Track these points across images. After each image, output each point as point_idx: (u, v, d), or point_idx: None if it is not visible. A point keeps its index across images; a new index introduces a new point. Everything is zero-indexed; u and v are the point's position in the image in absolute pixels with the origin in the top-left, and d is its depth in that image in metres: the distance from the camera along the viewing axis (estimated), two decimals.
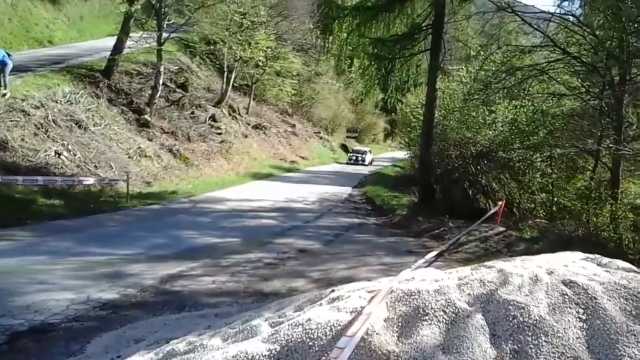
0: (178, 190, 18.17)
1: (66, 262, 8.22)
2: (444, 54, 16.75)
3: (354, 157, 42.59)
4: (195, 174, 21.68)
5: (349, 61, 33.33)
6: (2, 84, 15.77)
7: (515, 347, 3.18)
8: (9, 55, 16.15)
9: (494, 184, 15.84)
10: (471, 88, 16.79)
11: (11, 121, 14.90)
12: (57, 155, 15.12)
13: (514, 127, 15.53)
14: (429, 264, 7.45)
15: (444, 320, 3.38)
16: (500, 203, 13.14)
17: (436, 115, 16.99)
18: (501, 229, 12.02)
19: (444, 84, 19.92)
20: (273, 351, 3.21)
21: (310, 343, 3.22)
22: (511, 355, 3.15)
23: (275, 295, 7.07)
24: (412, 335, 3.28)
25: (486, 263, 4.40)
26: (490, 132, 15.85)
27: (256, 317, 4.23)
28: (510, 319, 3.35)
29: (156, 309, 6.42)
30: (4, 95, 15.64)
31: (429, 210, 14.70)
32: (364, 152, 44.13)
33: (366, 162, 42.27)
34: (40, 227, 10.78)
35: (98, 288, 7.01)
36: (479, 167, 15.67)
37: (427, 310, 3.45)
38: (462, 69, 20.55)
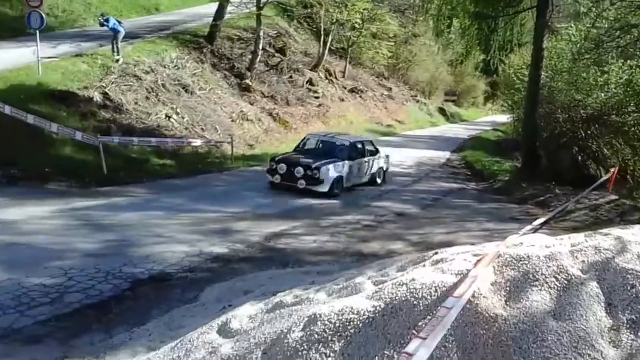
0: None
1: (180, 217, 8.84)
2: (552, 11, 15.64)
3: (297, 173, 11.54)
4: (294, 137, 22.08)
5: (448, 21, 32.24)
6: (115, 50, 16.81)
7: (633, 317, 3.06)
8: (120, 23, 17.13)
9: (605, 150, 14.95)
10: (581, 47, 15.89)
11: (125, 85, 15.89)
12: (167, 118, 16.01)
13: (629, 89, 14.50)
14: (535, 230, 7.21)
15: (555, 287, 3.29)
16: (612, 170, 12.39)
17: (542, 76, 16.05)
18: (613, 197, 11.36)
19: (551, 43, 18.70)
20: (377, 307, 3.28)
21: (414, 302, 3.26)
22: (628, 325, 3.03)
23: (374, 256, 7.21)
24: (521, 300, 3.22)
25: (601, 230, 4.20)
26: (602, 95, 14.88)
27: (359, 275, 4.33)
28: (629, 288, 3.20)
29: (262, 264, 6.80)
30: (117, 60, 16.68)
31: (533, 177, 14.16)
32: (335, 146, 13.03)
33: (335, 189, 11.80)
34: (155, 185, 11.58)
35: (209, 242, 7.51)
36: (589, 132, 14.85)
37: (537, 276, 3.36)
38: (572, 27, 19.10)
